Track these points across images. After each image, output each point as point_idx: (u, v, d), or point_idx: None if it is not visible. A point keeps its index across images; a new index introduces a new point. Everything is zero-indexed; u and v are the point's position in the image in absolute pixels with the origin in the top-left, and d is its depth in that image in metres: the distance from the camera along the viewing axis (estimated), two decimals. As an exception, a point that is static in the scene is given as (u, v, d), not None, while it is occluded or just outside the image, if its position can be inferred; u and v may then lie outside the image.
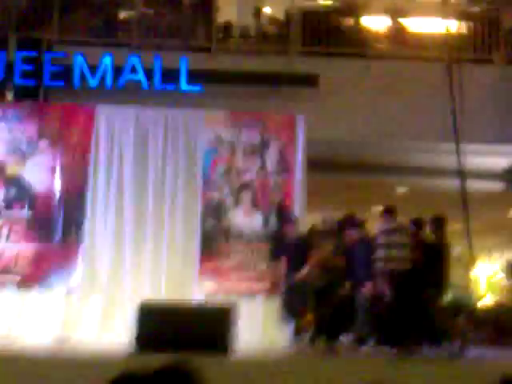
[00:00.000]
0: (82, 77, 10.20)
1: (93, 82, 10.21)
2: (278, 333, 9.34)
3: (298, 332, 9.16)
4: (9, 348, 8.36)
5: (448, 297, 9.35)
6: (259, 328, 9.50)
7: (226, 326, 7.35)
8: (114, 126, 10.14)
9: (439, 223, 9.16)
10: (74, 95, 10.23)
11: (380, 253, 8.95)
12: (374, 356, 8.46)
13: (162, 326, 7.13)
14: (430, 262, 8.84)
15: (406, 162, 11.75)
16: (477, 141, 10.68)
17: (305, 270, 9.16)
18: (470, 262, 10.85)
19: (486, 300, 15.72)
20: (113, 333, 9.29)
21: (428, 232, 9.19)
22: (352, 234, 9.27)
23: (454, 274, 9.04)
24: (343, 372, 6.80)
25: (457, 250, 15.57)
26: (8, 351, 7.92)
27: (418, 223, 9.32)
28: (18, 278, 9.59)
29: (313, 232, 10.14)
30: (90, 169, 9.95)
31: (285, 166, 10.31)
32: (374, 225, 10.10)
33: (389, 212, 9.33)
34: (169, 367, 3.28)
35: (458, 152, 10.44)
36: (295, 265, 9.22)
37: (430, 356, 8.45)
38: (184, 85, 10.36)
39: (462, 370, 7.36)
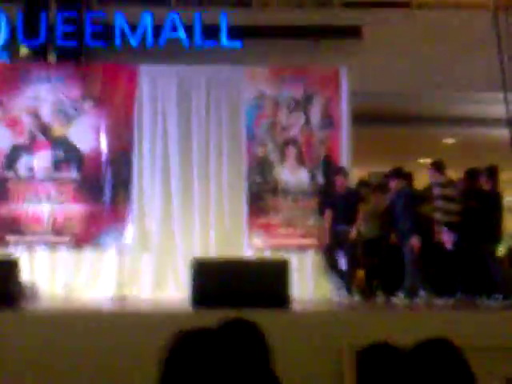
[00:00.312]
0: (123, 36, 10.12)
1: (134, 41, 10.13)
2: (328, 288, 9.34)
3: (349, 287, 9.16)
4: (67, 306, 8.49)
5: (504, 247, 9.26)
6: (310, 284, 9.49)
7: (283, 280, 7.31)
8: (157, 85, 10.08)
9: (492, 172, 9.06)
10: (115, 55, 10.16)
11: (438, 204, 8.89)
12: (430, 308, 8.40)
13: (217, 282, 7.11)
14: (485, 212, 8.78)
15: (453, 112, 11.54)
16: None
17: (355, 228, 9.15)
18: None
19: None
20: (166, 291, 9.38)
21: (483, 182, 9.09)
22: (395, 185, 9.21)
23: (508, 224, 8.98)
24: (399, 325, 6.78)
25: (508, 199, 15.40)
26: (66, 309, 8.03)
27: (472, 173, 9.24)
28: (70, 239, 9.68)
29: (361, 185, 10.07)
30: (135, 128, 9.93)
31: (329, 120, 10.19)
32: (423, 177, 10.01)
33: (437, 166, 9.26)
34: (232, 321, 3.27)
35: (506, 101, 10.20)
36: (343, 218, 9.18)
37: (489, 306, 8.38)
38: (225, 41, 10.23)
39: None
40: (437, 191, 8.99)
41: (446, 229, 8.91)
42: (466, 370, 2.76)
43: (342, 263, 9.28)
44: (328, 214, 9.29)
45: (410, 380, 2.84)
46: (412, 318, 7.34)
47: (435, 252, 9.07)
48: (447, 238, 8.87)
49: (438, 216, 8.90)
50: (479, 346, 6.61)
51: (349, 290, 9.10)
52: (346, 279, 9.15)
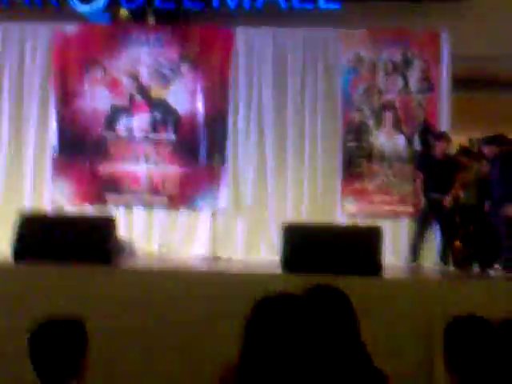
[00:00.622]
0: (221, -1, 10.15)
1: (231, 3, 10.14)
2: (423, 256, 9.21)
3: (444, 256, 9.01)
4: (161, 264, 8.72)
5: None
6: (404, 251, 9.36)
7: (375, 247, 7.23)
8: (253, 48, 10.08)
9: None
10: (213, 18, 10.19)
11: None
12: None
13: (308, 247, 7.11)
14: None
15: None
16: None
17: (450, 197, 8.96)
18: None
19: None
20: (258, 254, 9.48)
21: None
22: (489, 151, 8.89)
23: None
24: (493, 296, 6.63)
25: None
26: (161, 267, 8.24)
27: None
28: (166, 199, 9.89)
29: (461, 152, 9.82)
30: (231, 91, 9.97)
31: (428, 84, 9.93)
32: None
33: None
34: (318, 287, 3.27)
35: None
36: (439, 186, 8.99)
37: None
38: (322, 3, 10.09)
39: None
40: None
41: None
42: None
43: (437, 232, 9.13)
44: (420, 179, 9.12)
45: (499, 353, 2.81)
46: (506, 289, 7.15)
47: None
48: None
49: None
50: None
51: (444, 259, 8.95)
52: (441, 248, 9.00)
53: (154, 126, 10.03)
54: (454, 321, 3.28)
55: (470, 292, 6.98)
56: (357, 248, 7.22)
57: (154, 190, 9.91)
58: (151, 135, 10.02)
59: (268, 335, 2.16)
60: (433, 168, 9.07)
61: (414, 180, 9.37)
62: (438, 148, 9.17)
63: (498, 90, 11.31)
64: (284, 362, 2.13)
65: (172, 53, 10.07)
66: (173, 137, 9.98)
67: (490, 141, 9.04)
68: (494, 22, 10.06)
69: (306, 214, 9.64)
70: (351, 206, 9.73)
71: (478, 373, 2.98)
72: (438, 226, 9.18)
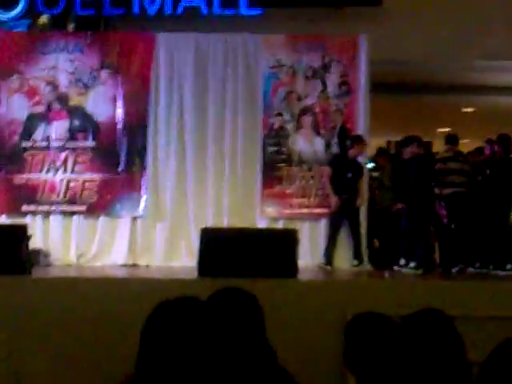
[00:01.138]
0: (142, 4, 10.16)
1: (152, 9, 10.16)
2: (341, 256, 9.42)
3: (358, 255, 9.26)
4: (79, 273, 8.69)
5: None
6: (322, 252, 9.54)
7: (290, 250, 7.39)
8: (174, 53, 10.09)
9: (506, 140, 9.04)
10: (133, 23, 10.21)
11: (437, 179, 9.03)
12: (438, 278, 8.47)
13: (226, 251, 7.22)
14: (499, 179, 8.81)
15: (473, 80, 11.41)
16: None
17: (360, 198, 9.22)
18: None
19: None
20: (178, 260, 9.51)
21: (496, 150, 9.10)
22: (408, 152, 9.19)
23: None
24: (405, 295, 6.84)
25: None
26: (78, 276, 8.23)
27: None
28: (85, 208, 9.82)
29: (380, 154, 10.07)
30: (152, 97, 9.98)
31: (347, 88, 10.13)
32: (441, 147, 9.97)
33: (449, 140, 9.34)
34: (222, 290, 3.28)
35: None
36: (347, 187, 9.27)
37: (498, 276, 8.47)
38: (243, 9, 10.20)
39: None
40: (438, 165, 9.04)
41: (442, 203, 8.97)
42: (456, 341, 2.78)
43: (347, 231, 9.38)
44: (329, 178, 9.38)
45: (399, 350, 2.84)
46: (419, 287, 7.40)
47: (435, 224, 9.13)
48: (443, 212, 8.91)
49: (435, 191, 9.00)
50: (489, 315, 6.69)
51: (359, 259, 9.19)
52: (354, 248, 9.25)
53: (73, 134, 9.95)
54: (352, 319, 3.33)
55: (382, 290, 7.21)
56: (273, 251, 7.38)
57: (72, 198, 9.83)
58: (70, 143, 9.93)
59: (161, 340, 2.12)
60: (345, 169, 9.32)
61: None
62: (353, 150, 9.42)
63: (414, 93, 11.59)
64: (179, 366, 2.10)
65: (92, 59, 10.02)
66: (92, 144, 9.93)
67: (407, 142, 9.32)
68: (410, 28, 10.34)
69: (227, 219, 9.71)
70: (271, 210, 9.86)
71: (375, 371, 3.06)
72: (350, 226, 9.40)
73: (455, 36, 10.34)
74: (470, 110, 12.99)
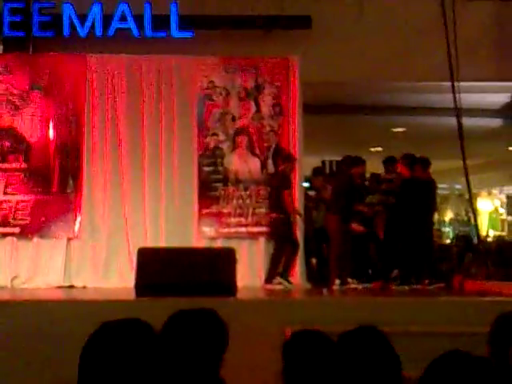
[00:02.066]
0: (72, 26, 10.03)
1: (82, 31, 10.05)
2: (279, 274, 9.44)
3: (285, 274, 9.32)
4: (13, 295, 8.47)
5: (452, 233, 9.57)
6: (260, 271, 9.56)
7: (228, 269, 7.37)
8: (107, 75, 10.04)
9: (426, 162, 9.35)
10: (63, 45, 10.10)
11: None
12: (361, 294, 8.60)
13: (163, 270, 7.15)
14: (420, 198, 9.05)
15: (403, 101, 11.68)
16: (474, 78, 10.59)
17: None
18: (470, 198, 10.91)
19: (488, 235, 15.85)
20: (115, 281, 9.39)
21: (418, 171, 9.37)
22: (356, 172, 9.40)
23: (456, 211, 9.18)
24: (344, 312, 6.89)
25: (457, 187, 15.65)
26: (12, 299, 8.02)
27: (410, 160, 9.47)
28: (18, 230, 9.63)
29: (316, 173, 10.18)
30: (85, 118, 9.89)
31: (280, 109, 10.26)
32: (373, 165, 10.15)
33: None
34: (194, 311, 3.20)
35: (453, 90, 10.35)
36: (273, 206, 9.43)
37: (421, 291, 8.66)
38: (175, 31, 10.20)
39: (461, 304, 7.44)
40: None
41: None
42: (391, 357, 2.82)
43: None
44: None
45: (336, 367, 2.86)
46: (357, 303, 7.46)
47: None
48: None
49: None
50: (425, 330, 6.78)
51: (285, 276, 9.26)
52: (286, 266, 9.30)
53: (4, 156, 9.78)
54: (290, 337, 3.34)
55: (321, 308, 7.23)
56: (211, 270, 7.34)
57: (5, 220, 9.64)
58: (1, 164, 9.75)
59: (102, 364, 2.04)
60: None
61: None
62: (283, 167, 9.51)
63: (347, 113, 11.80)
64: None
65: (22, 81, 9.89)
66: (24, 165, 9.77)
67: (357, 162, 9.52)
68: (341, 50, 10.52)
69: (165, 239, 9.65)
70: (208, 230, 9.85)
71: None
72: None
73: (385, 58, 10.55)
74: (400, 130, 13.28)
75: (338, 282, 9.04)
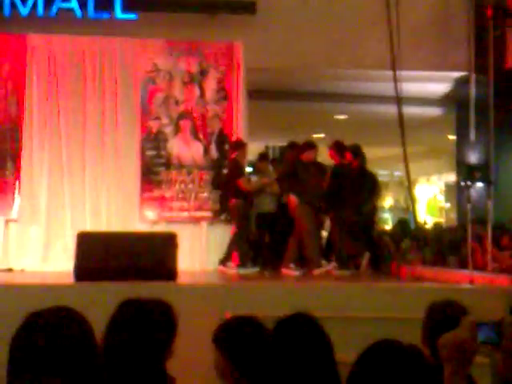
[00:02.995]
0: (13, 5, 9.83)
1: (24, 11, 9.85)
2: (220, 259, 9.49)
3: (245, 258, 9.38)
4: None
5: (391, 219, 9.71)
6: (202, 255, 9.60)
7: (169, 253, 7.37)
8: (48, 55, 9.88)
9: (358, 150, 9.47)
10: (4, 25, 9.89)
11: None
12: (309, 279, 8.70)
13: (103, 255, 7.11)
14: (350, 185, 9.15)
15: (345, 89, 11.79)
16: (415, 68, 10.75)
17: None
18: (408, 185, 11.12)
19: (427, 222, 16.16)
20: (54, 264, 9.30)
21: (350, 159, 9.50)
22: (306, 156, 9.46)
23: (396, 198, 9.34)
24: (284, 297, 6.96)
25: (397, 174, 15.90)
26: None
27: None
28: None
29: (261, 158, 10.22)
30: (25, 99, 9.73)
31: (224, 94, 10.25)
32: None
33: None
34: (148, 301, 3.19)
35: (395, 79, 10.50)
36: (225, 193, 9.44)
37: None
38: (119, 13, 10.08)
39: (396, 289, 7.60)
40: None
41: None
42: (323, 342, 2.88)
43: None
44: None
45: (271, 355, 2.91)
46: (296, 289, 7.54)
47: None
48: None
49: None
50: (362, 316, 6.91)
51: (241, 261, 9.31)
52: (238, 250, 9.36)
53: None
54: (223, 325, 3.39)
55: (260, 293, 7.29)
56: (152, 254, 7.32)
57: None
58: None
59: (31, 354, 1.99)
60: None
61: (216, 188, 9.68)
62: (238, 154, 9.52)
63: (290, 100, 11.85)
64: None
65: (-40, 60, 9.67)
66: (-39, 146, 9.60)
67: (305, 147, 9.57)
68: (284, 36, 10.56)
69: (106, 222, 9.60)
70: (151, 213, 9.83)
71: (250, 373, 3.11)
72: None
73: (328, 45, 10.64)
74: (342, 117, 13.42)
75: (292, 265, 9.10)
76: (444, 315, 3.21)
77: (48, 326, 2.03)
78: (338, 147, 9.62)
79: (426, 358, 2.07)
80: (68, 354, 1.99)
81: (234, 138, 10.01)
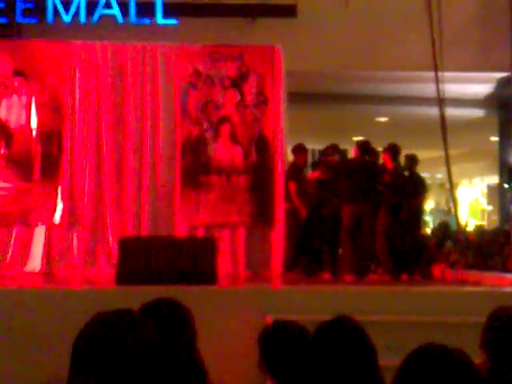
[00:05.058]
0: (56, 12, 9.99)
1: (66, 18, 10.01)
2: (261, 264, 9.49)
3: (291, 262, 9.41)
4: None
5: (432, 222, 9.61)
6: (242, 259, 9.60)
7: (209, 258, 7.41)
8: (91, 62, 10.00)
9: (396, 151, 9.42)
10: (47, 32, 10.05)
11: None
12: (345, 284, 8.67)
13: (145, 259, 7.18)
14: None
15: (386, 91, 11.73)
16: (457, 69, 10.65)
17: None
18: (450, 188, 11.00)
19: (469, 224, 15.97)
20: (97, 269, 9.39)
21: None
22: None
23: (437, 200, 9.25)
24: (326, 301, 6.94)
25: (438, 176, 15.73)
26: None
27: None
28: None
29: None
30: (68, 106, 9.84)
31: (264, 98, 10.23)
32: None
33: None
34: (153, 302, 3.24)
35: (437, 80, 10.41)
36: None
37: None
38: (160, 18, 10.18)
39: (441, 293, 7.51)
40: None
41: None
42: (367, 346, 2.86)
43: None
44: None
45: (313, 359, 2.90)
46: (335, 293, 7.51)
47: None
48: None
49: None
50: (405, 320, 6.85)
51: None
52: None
53: (-16, 142, 9.74)
54: (267, 328, 3.42)
55: (302, 297, 7.29)
56: (192, 258, 7.37)
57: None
58: (-19, 151, 9.74)
59: (98, 354, 1.96)
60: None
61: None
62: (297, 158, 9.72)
63: (330, 103, 11.83)
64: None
65: (4, 67, 9.81)
66: (5, 152, 9.73)
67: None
68: (325, 39, 10.54)
69: (146, 227, 9.64)
70: (190, 218, 9.85)
71: (292, 377, 3.11)
72: None
73: (369, 47, 10.60)
74: (383, 119, 13.34)
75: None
76: (508, 322, 3.21)
77: (116, 327, 2.02)
78: (391, 150, 9.56)
79: (472, 362, 2.04)
80: (134, 357, 1.98)
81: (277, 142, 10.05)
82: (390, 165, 9.42)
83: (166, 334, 2.84)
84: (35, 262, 9.49)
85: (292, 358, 3.16)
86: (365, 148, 9.48)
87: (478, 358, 3.01)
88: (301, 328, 3.34)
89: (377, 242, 9.15)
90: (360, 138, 12.81)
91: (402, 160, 9.68)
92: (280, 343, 3.27)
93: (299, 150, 9.91)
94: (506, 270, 8.56)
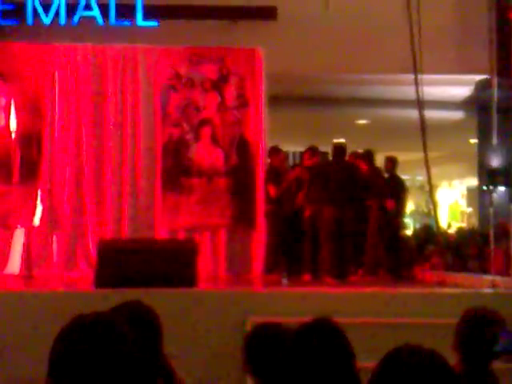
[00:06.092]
0: (36, 14, 9.94)
1: (46, 20, 9.96)
2: (242, 266, 9.50)
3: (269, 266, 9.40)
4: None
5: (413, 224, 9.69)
6: (223, 261, 9.60)
7: (190, 259, 7.40)
8: (71, 64, 9.96)
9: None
10: (27, 33, 9.99)
11: None
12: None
13: (124, 262, 7.15)
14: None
15: (366, 93, 11.77)
16: (436, 71, 10.71)
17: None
18: (430, 190, 11.07)
19: (449, 226, 16.08)
20: (75, 270, 9.36)
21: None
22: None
23: (417, 203, 9.32)
24: (304, 304, 6.96)
25: (418, 178, 15.84)
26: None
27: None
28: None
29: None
30: (47, 108, 9.80)
31: (244, 100, 10.25)
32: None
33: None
34: (124, 305, 3.24)
35: (416, 83, 10.46)
36: None
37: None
38: (140, 20, 10.16)
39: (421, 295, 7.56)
40: None
41: None
42: (346, 348, 2.88)
43: None
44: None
45: (292, 361, 2.92)
46: (313, 295, 7.53)
47: None
48: None
49: None
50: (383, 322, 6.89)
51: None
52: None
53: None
54: (251, 331, 3.45)
55: (281, 299, 7.30)
56: (172, 261, 7.36)
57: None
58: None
59: (75, 361, 1.96)
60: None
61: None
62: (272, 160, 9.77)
63: (310, 105, 11.86)
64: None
65: (-17, 69, 9.77)
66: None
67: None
68: (305, 42, 10.57)
69: (126, 230, 9.62)
70: (170, 221, 9.83)
71: (276, 379, 3.13)
72: None
73: (350, 50, 10.63)
74: (363, 122, 13.40)
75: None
76: (480, 322, 3.23)
77: (95, 330, 2.01)
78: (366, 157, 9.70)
79: (446, 363, 2.06)
80: (112, 360, 1.98)
81: (258, 144, 10.06)
82: (364, 168, 9.56)
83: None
84: (15, 265, 9.45)
85: (274, 360, 3.18)
86: (342, 150, 9.56)
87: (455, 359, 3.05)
88: (282, 330, 3.36)
89: (370, 241, 9.28)
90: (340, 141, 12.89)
91: (382, 162, 9.75)
92: (262, 346, 3.30)
93: (274, 151, 9.96)
94: (484, 271, 8.63)
